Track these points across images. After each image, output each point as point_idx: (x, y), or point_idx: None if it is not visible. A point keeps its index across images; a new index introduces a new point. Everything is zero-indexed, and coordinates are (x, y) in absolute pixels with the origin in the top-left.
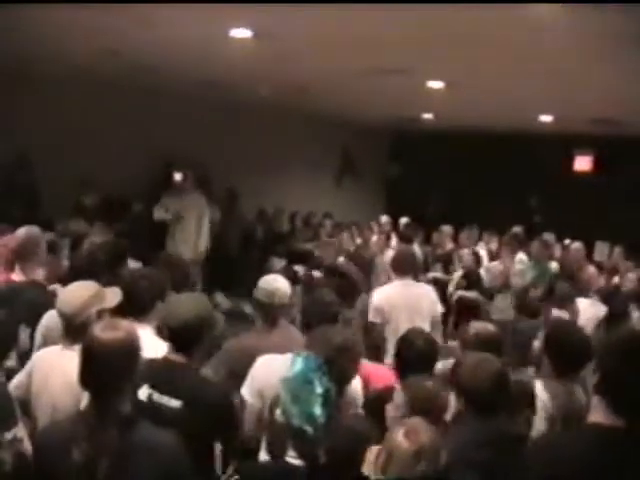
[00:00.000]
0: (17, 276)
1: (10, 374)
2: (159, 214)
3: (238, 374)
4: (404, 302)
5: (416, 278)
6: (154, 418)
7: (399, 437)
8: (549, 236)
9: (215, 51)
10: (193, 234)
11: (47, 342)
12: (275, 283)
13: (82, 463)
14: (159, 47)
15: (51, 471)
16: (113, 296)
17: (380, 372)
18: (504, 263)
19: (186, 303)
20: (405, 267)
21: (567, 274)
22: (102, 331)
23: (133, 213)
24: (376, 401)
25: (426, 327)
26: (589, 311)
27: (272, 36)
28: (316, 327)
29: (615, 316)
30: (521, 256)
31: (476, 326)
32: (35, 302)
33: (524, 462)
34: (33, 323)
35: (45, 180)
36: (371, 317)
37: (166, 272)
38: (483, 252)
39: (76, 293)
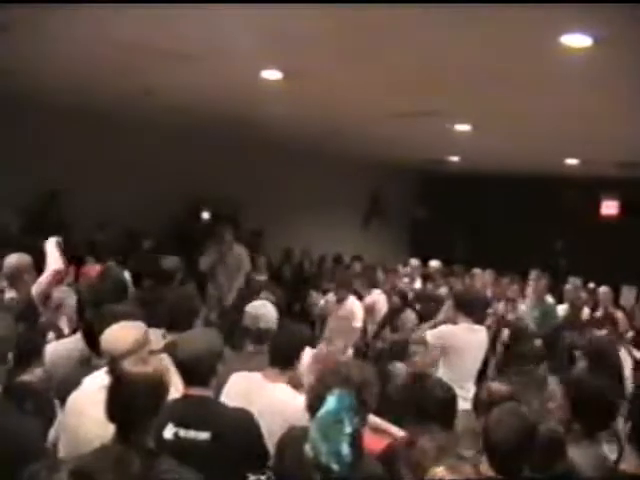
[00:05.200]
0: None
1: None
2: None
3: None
4: (468, 346)
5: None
6: (183, 455)
7: (440, 471)
8: (575, 280)
9: (246, 92)
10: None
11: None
12: (261, 309)
13: None
14: (191, 87)
15: None
16: (156, 338)
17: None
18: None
19: (197, 337)
20: (470, 309)
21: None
22: (131, 366)
23: (143, 249)
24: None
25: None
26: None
27: (302, 78)
28: None
29: None
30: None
31: (489, 387)
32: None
33: None
34: None
35: (75, 216)
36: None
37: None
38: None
39: (126, 335)
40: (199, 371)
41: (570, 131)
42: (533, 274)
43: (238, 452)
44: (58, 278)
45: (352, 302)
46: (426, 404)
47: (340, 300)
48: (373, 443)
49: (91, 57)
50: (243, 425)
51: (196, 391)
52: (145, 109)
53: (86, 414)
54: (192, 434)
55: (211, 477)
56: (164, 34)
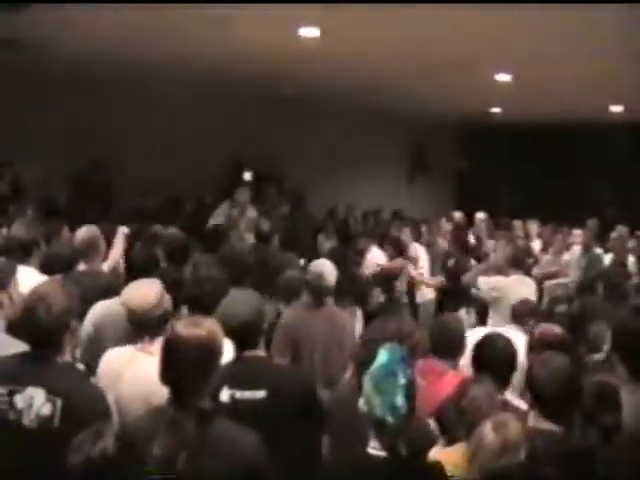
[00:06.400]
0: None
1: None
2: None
3: (294, 343)
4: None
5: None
6: (240, 416)
7: (487, 430)
8: (622, 229)
9: (285, 50)
10: None
11: (101, 335)
12: (323, 267)
13: (162, 457)
14: (230, 48)
15: (132, 465)
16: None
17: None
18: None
19: (242, 302)
20: (518, 261)
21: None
22: (184, 327)
23: (185, 212)
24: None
25: None
26: None
27: (340, 35)
28: None
29: None
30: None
31: (542, 327)
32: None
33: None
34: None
35: (122, 180)
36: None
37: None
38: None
39: (149, 291)
40: (248, 337)
41: (613, 76)
42: (590, 223)
43: (295, 408)
44: None
45: (374, 252)
46: (484, 354)
47: (362, 250)
48: (442, 386)
49: (133, 23)
50: (298, 381)
51: (248, 353)
52: (183, 72)
53: (123, 375)
54: (248, 394)
55: (270, 435)
56: None
